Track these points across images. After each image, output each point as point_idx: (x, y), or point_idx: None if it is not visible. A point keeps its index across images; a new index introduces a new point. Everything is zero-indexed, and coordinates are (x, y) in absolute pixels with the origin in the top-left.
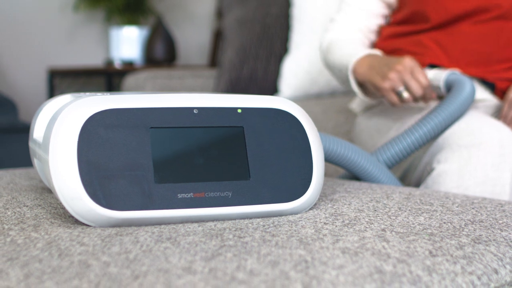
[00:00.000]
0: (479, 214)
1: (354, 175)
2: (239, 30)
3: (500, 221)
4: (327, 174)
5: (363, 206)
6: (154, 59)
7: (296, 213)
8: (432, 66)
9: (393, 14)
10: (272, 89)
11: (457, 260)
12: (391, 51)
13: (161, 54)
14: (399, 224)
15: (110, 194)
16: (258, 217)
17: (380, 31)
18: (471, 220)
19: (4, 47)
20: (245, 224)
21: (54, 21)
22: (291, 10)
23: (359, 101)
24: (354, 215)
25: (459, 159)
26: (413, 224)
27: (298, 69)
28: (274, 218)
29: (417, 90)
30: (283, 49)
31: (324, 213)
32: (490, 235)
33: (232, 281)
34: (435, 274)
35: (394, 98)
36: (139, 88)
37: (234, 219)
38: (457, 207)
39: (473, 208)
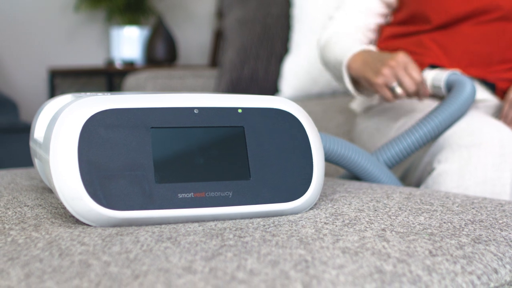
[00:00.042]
0: (479, 214)
1: (354, 175)
2: (239, 30)
3: (500, 221)
4: (327, 174)
5: (363, 206)
6: (155, 59)
7: (296, 213)
8: (433, 66)
9: (393, 14)
10: (272, 89)
11: (457, 259)
12: (391, 51)
13: (162, 54)
14: (399, 224)
15: (111, 194)
16: (259, 217)
17: (381, 31)
18: (471, 220)
19: (5, 47)
20: (246, 224)
21: (55, 21)
22: (291, 10)
23: (359, 101)
24: (354, 215)
25: (460, 159)
26: (413, 224)
27: (299, 69)
28: (275, 218)
29: (410, 86)
30: (283, 49)
31: (325, 213)
32: (490, 235)
33: (232, 281)
34: (435, 273)
35: (387, 93)
36: (140, 88)
37: (235, 219)
38: (457, 207)
39: (473, 208)
